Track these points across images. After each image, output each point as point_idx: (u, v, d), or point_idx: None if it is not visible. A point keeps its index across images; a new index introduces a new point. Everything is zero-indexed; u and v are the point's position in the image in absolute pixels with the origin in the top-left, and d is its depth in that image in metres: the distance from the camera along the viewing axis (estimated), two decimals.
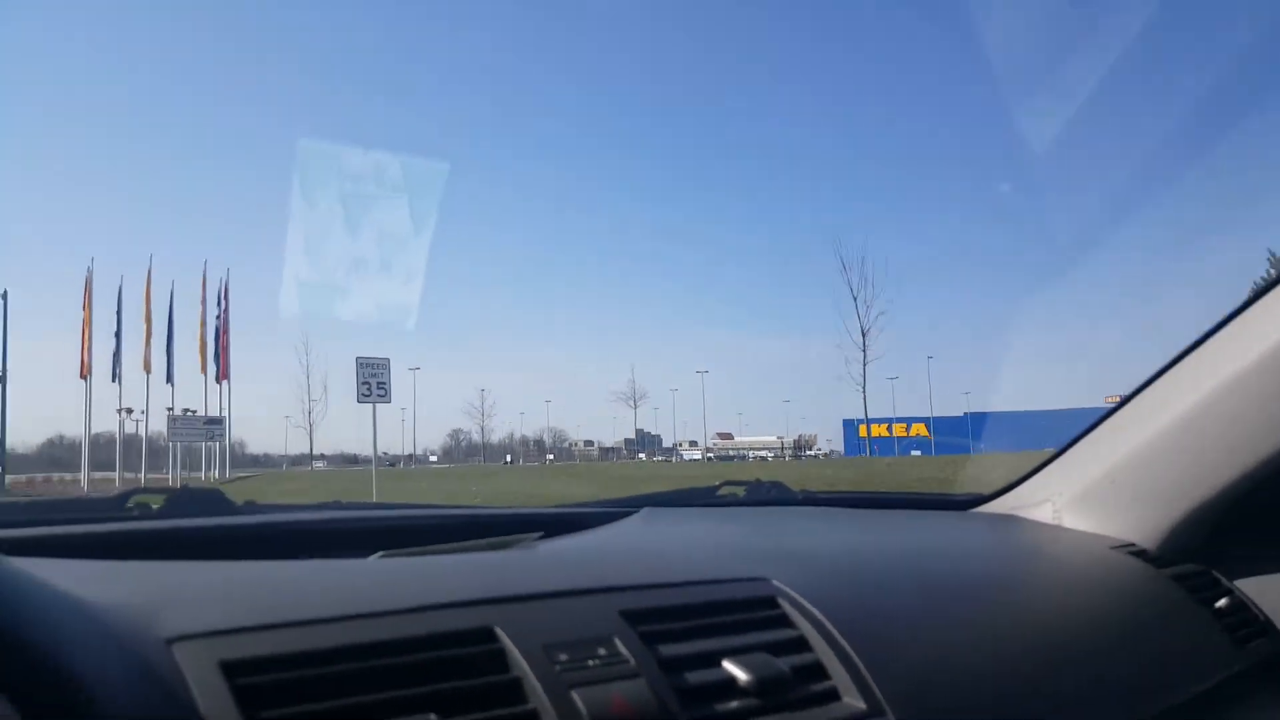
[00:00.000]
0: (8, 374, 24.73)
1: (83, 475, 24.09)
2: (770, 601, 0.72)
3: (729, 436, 71.22)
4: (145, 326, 27.14)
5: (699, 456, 61.41)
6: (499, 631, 0.61)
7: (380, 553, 0.82)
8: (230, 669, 0.51)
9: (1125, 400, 1.10)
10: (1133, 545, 1.06)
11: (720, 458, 59.14)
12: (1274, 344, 0.91)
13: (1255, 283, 0.95)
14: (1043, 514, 1.19)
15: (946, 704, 0.69)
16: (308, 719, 0.50)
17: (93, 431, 25.85)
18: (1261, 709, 0.97)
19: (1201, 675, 0.91)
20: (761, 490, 1.45)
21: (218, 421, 26.60)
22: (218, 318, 27.98)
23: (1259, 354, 0.92)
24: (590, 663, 0.60)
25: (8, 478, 24.21)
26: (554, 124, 67.74)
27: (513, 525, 0.98)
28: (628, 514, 1.11)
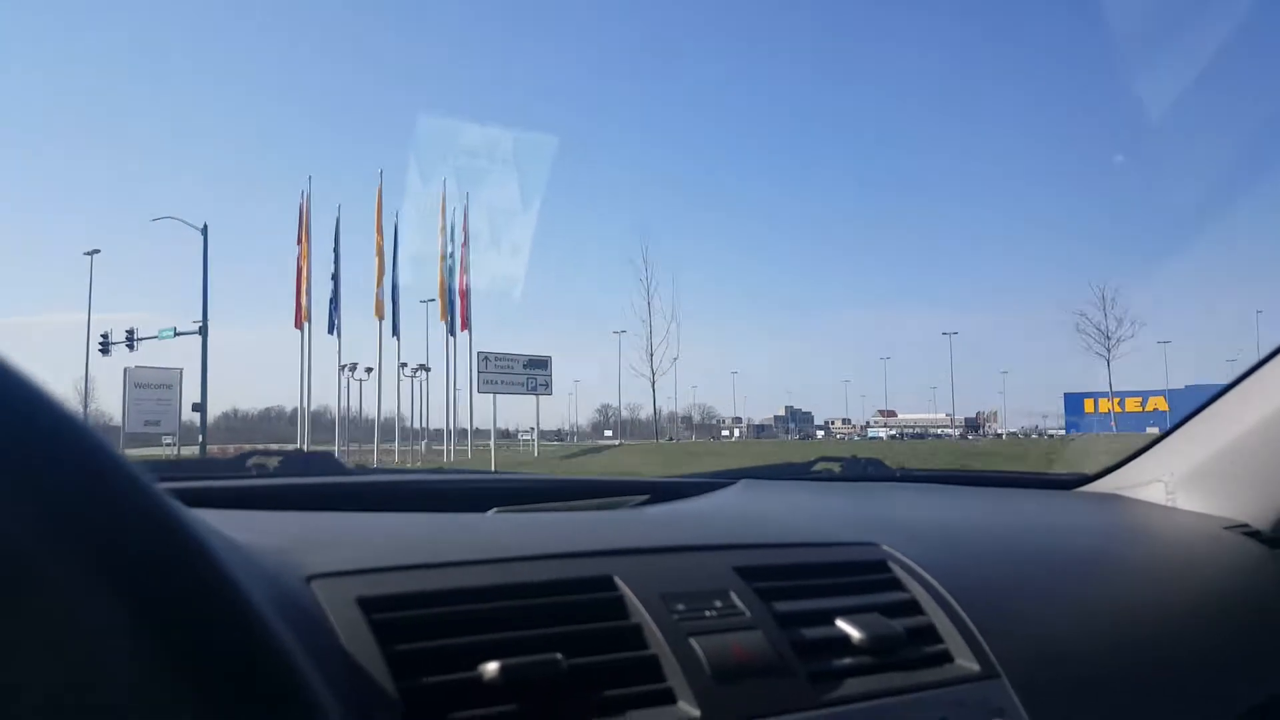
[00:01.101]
0: (208, 325, 25.86)
1: (302, 443, 22.33)
2: (881, 565, 0.74)
3: (891, 414, 68.13)
4: (376, 262, 22.48)
5: (882, 435, 58.19)
6: (618, 580, 0.62)
7: (496, 509, 0.84)
8: (367, 604, 0.52)
9: (1238, 380, 1.10)
10: (1246, 526, 1.05)
11: (913, 435, 56.49)
12: None
13: None
14: (1150, 493, 1.18)
15: (1059, 672, 0.70)
16: (440, 653, 0.52)
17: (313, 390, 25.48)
18: None
19: None
20: (859, 466, 1.47)
21: (542, 364, 21.29)
22: (451, 255, 22.95)
23: None
24: (708, 613, 0.61)
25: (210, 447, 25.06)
26: None
27: (618, 490, 1.02)
28: (727, 484, 1.12)
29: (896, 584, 0.71)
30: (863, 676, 0.61)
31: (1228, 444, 1.08)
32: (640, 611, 0.59)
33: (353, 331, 25.88)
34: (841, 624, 0.64)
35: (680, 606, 0.60)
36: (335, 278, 24.15)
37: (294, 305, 25.45)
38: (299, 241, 25.08)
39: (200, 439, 26.69)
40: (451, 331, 23.85)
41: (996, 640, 0.67)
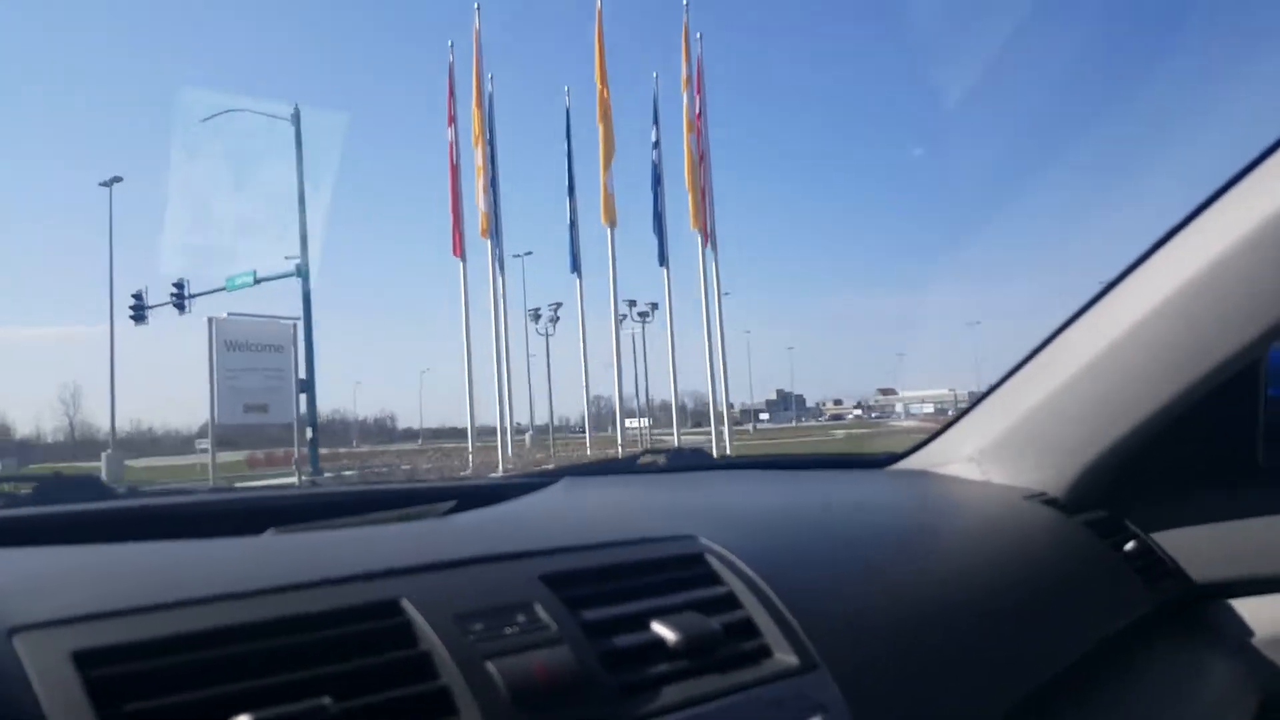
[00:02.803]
0: (309, 260, 19.03)
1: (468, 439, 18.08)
2: (698, 559, 0.70)
3: (891, 392, 67.51)
4: (603, 150, 17.35)
5: (930, 409, 54.21)
6: (405, 604, 0.56)
7: (273, 529, 0.76)
8: (84, 659, 0.46)
9: (1033, 353, 1.10)
10: (1044, 495, 1.06)
11: (877, 416, 53.08)
12: (1168, 295, 0.93)
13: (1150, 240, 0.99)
14: (956, 468, 1.17)
15: (877, 656, 0.68)
16: (180, 710, 0.45)
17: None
18: (1171, 646, 0.99)
19: (1116, 616, 0.93)
20: (682, 457, 1.47)
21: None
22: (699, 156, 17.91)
23: (1154, 305, 0.94)
24: (508, 631, 0.56)
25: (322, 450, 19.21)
26: None
27: (422, 498, 0.93)
28: (546, 484, 1.04)
29: (714, 578, 0.68)
30: (678, 683, 0.58)
31: (1022, 417, 1.10)
32: (430, 637, 0.55)
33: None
34: (657, 627, 0.61)
35: (477, 626, 0.56)
36: (494, 184, 18.11)
37: (450, 223, 17.99)
38: (449, 122, 18.50)
39: (309, 433, 18.37)
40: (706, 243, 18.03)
41: (814, 630, 0.65)
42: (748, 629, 0.64)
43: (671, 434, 20.59)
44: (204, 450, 21.72)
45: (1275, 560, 1.01)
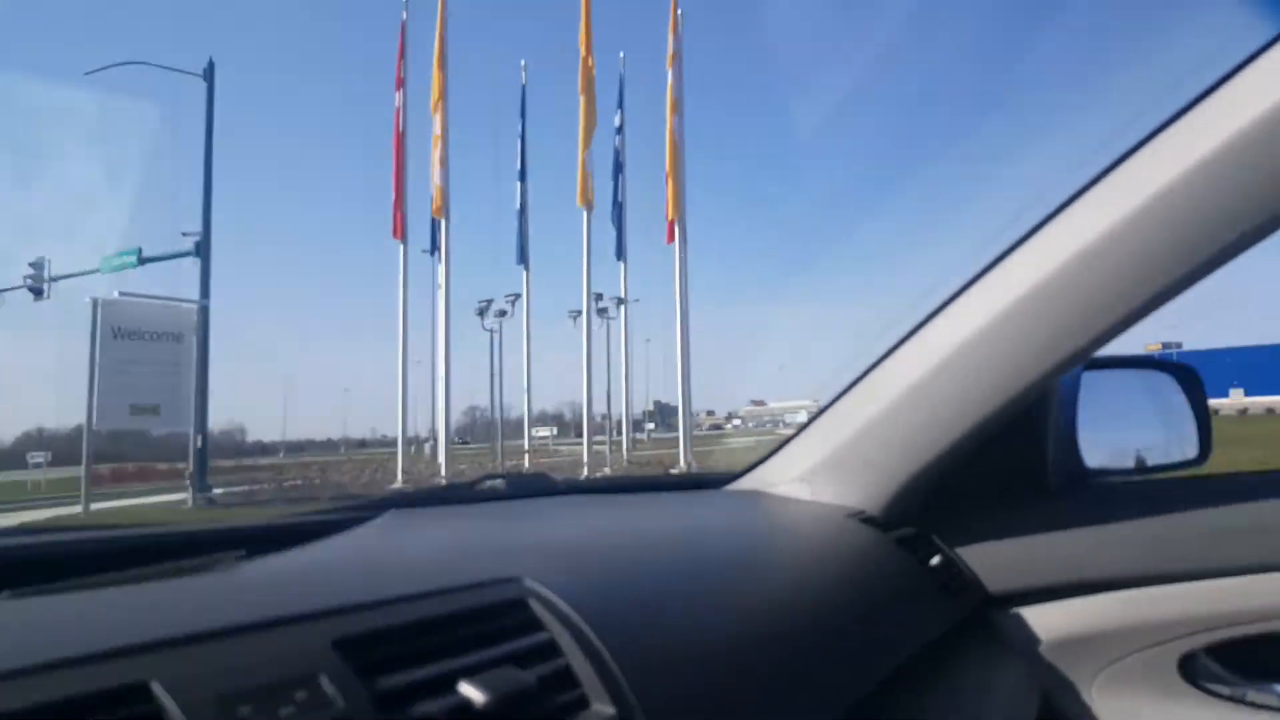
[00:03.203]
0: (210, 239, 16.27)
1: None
2: (520, 604, 0.66)
3: (761, 403, 69.79)
4: (583, 126, 16.18)
5: (804, 418, 54.35)
6: (156, 688, 0.48)
7: (7, 593, 0.63)
8: None
9: (860, 377, 1.13)
10: (863, 513, 1.09)
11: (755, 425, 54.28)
12: (978, 328, 0.99)
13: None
14: (787, 488, 1.19)
15: (697, 692, 0.66)
16: None
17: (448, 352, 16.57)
18: (973, 655, 1.03)
19: (925, 630, 0.96)
20: (523, 483, 1.42)
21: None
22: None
23: (965, 337, 1.00)
24: (283, 713, 0.49)
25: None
26: None
27: (206, 544, 0.82)
28: (364, 519, 0.94)
29: (535, 624, 0.64)
30: None
31: (848, 438, 1.13)
32: None
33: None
34: (465, 688, 0.56)
35: (244, 710, 0.48)
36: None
37: (391, 204, 16.30)
38: (397, 87, 17.19)
39: (198, 441, 15.57)
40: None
41: (634, 674, 0.62)
42: (567, 679, 0.60)
43: (579, 443, 19.54)
44: (37, 465, 18.23)
45: (1058, 571, 1.09)
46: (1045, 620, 1.09)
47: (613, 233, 18.58)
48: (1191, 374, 1.27)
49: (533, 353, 20.32)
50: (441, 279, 17.37)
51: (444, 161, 16.47)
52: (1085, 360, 1.01)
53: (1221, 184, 0.84)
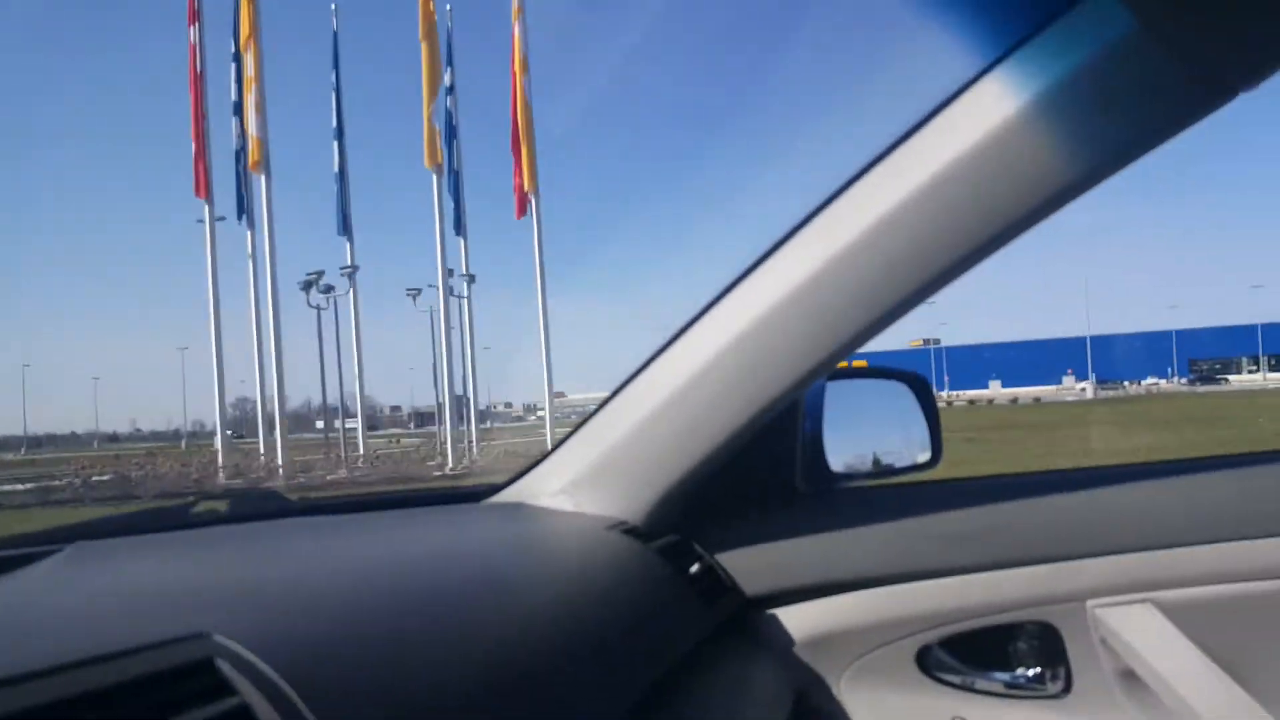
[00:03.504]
0: None
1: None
2: (206, 666, 0.57)
3: (561, 394, 67.43)
4: (426, 77, 14.95)
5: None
6: None
7: None
8: None
9: (622, 385, 1.13)
10: (625, 523, 1.08)
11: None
12: (731, 339, 1.01)
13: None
14: (550, 500, 1.16)
15: None
16: None
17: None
18: (732, 657, 1.05)
19: (686, 637, 0.97)
20: (249, 503, 1.32)
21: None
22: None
23: (720, 348, 1.02)
24: None
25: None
26: None
27: None
28: (40, 556, 0.82)
29: (225, 688, 0.56)
30: None
31: (610, 447, 1.12)
32: None
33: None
34: None
35: None
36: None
37: (192, 159, 14.52)
38: (191, 20, 15.18)
39: None
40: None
41: None
42: None
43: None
44: None
45: (808, 573, 1.13)
46: (798, 620, 1.13)
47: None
48: (923, 383, 1.34)
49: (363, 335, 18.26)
50: (252, 248, 15.09)
51: (260, 108, 14.22)
52: (830, 370, 1.05)
53: (958, 198, 0.89)
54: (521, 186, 15.69)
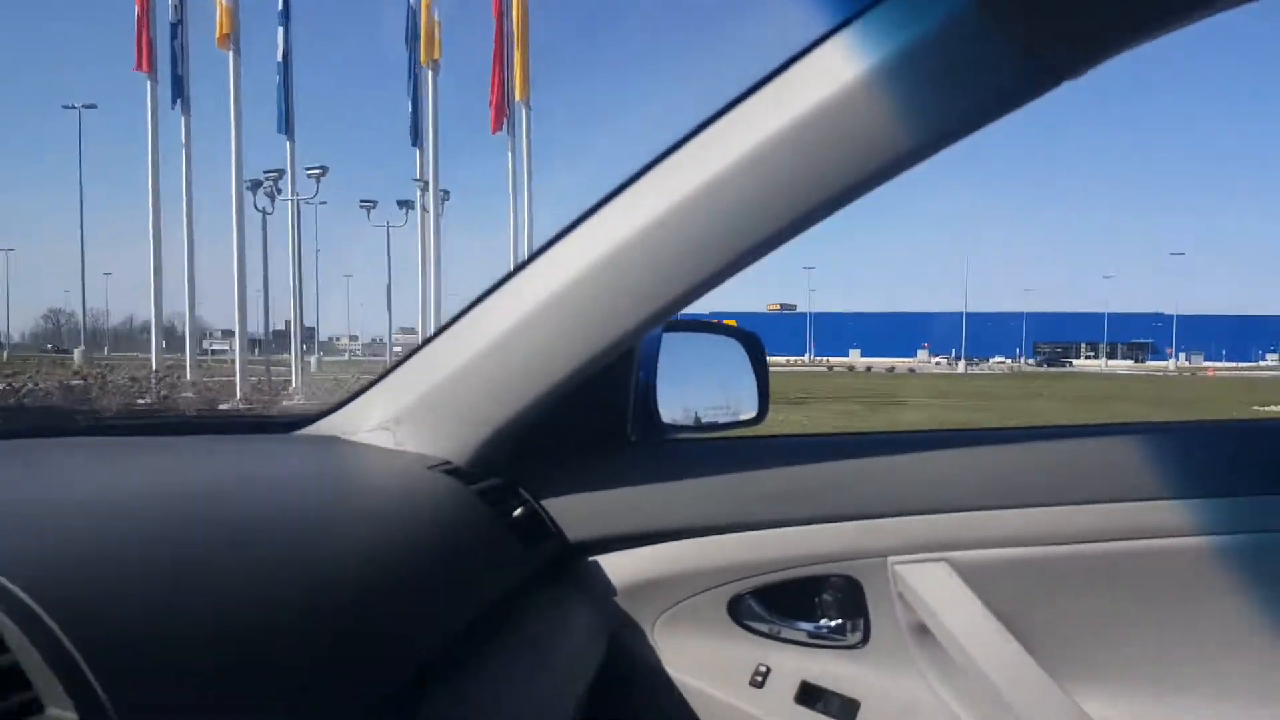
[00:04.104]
0: None
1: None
2: None
3: (411, 331, 65.02)
4: None
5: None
6: None
7: None
8: None
9: (452, 320, 1.12)
10: (448, 463, 1.07)
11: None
12: (570, 280, 1.00)
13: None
14: (369, 435, 1.14)
15: (205, 680, 0.56)
16: None
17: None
18: (549, 602, 1.07)
19: (503, 581, 0.98)
20: (26, 418, 1.21)
21: None
22: None
23: (556, 290, 1.01)
24: None
25: None
26: None
27: None
28: None
29: None
30: None
31: (437, 384, 1.09)
32: None
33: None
34: None
35: None
36: None
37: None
38: None
39: None
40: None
41: (114, 667, 0.51)
42: (14, 678, 0.50)
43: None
44: None
45: (631, 521, 1.15)
46: (618, 567, 1.14)
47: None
48: (755, 341, 1.36)
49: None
50: (185, 136, 13.45)
51: None
52: (666, 319, 1.05)
53: (795, 159, 0.90)
54: (502, 98, 14.64)
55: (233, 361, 14.99)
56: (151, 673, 0.53)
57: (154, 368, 12.82)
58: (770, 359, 1.42)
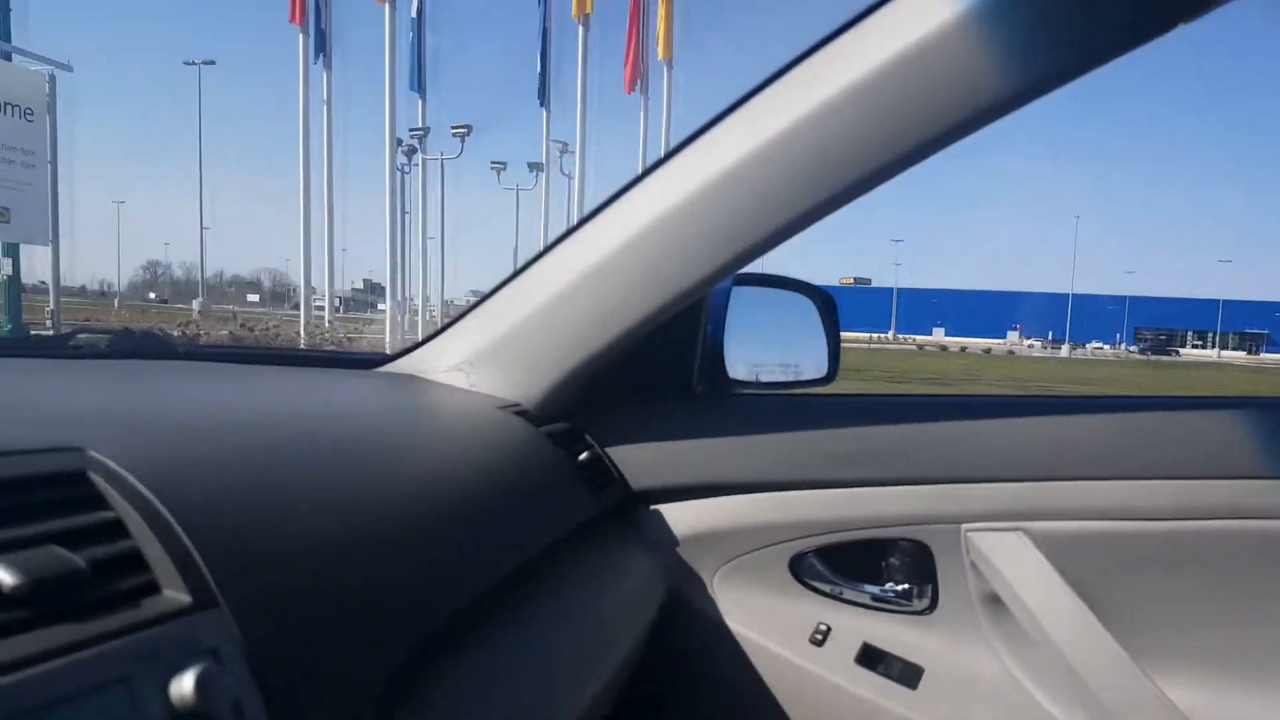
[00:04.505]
0: None
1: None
2: (79, 476, 0.57)
3: (479, 294, 66.04)
4: None
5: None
6: None
7: None
8: None
9: (527, 264, 1.11)
10: (518, 405, 1.09)
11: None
12: (641, 228, 1.00)
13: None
14: (444, 375, 1.15)
15: (299, 581, 0.60)
16: None
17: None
18: (611, 547, 1.07)
19: (566, 522, 0.98)
20: (129, 341, 1.31)
21: None
22: None
23: (628, 237, 1.00)
24: None
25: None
26: None
27: None
28: None
29: (99, 500, 0.56)
30: (10, 638, 0.46)
31: (510, 327, 1.11)
32: None
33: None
34: None
35: None
36: None
37: None
38: None
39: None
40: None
41: (221, 559, 0.55)
42: (134, 563, 0.53)
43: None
44: None
45: (695, 473, 1.14)
46: (679, 518, 1.15)
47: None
48: (829, 300, 1.32)
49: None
50: (328, 92, 13.64)
51: None
52: (736, 272, 1.04)
53: (870, 109, 0.87)
54: (637, 56, 14.42)
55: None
56: (254, 567, 0.57)
57: (304, 321, 13.20)
58: (852, 335, 1.45)
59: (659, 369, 1.19)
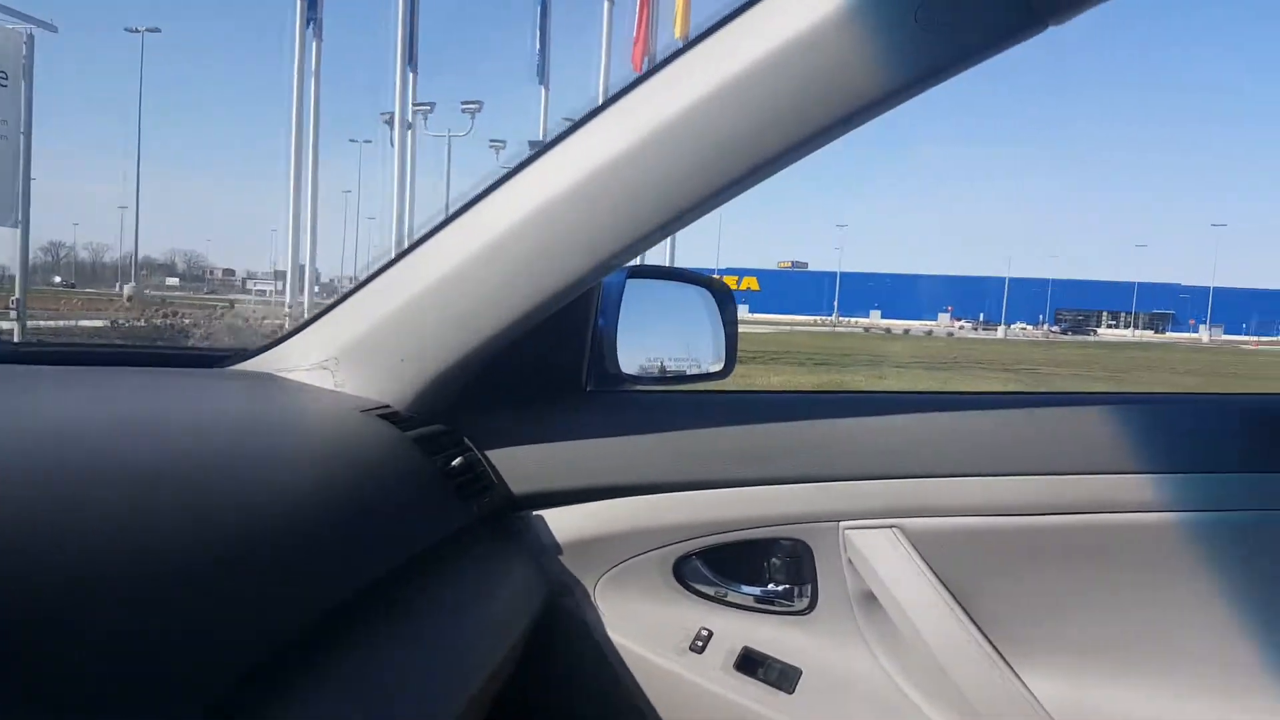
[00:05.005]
0: None
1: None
2: None
3: (285, 274, 64.68)
4: None
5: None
6: None
7: None
8: None
9: (394, 259, 1.07)
10: (386, 407, 1.04)
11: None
12: (521, 218, 0.96)
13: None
14: (305, 375, 1.09)
15: (131, 600, 0.56)
16: None
17: None
18: (485, 555, 1.03)
19: (432, 532, 0.94)
20: None
21: None
22: None
23: (507, 227, 0.96)
24: None
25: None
26: None
27: None
28: None
29: None
30: None
31: (377, 323, 1.04)
32: None
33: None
34: None
35: None
36: None
37: None
38: None
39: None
40: None
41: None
42: None
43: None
44: None
45: (579, 476, 1.10)
46: (561, 523, 1.11)
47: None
48: (726, 292, 1.31)
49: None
50: (316, 63, 12.81)
51: None
52: (625, 263, 1.00)
53: (767, 95, 0.85)
54: (647, 34, 13.90)
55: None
56: (68, 587, 0.52)
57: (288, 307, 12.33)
58: (793, 318, 1.42)
59: (545, 364, 1.14)
